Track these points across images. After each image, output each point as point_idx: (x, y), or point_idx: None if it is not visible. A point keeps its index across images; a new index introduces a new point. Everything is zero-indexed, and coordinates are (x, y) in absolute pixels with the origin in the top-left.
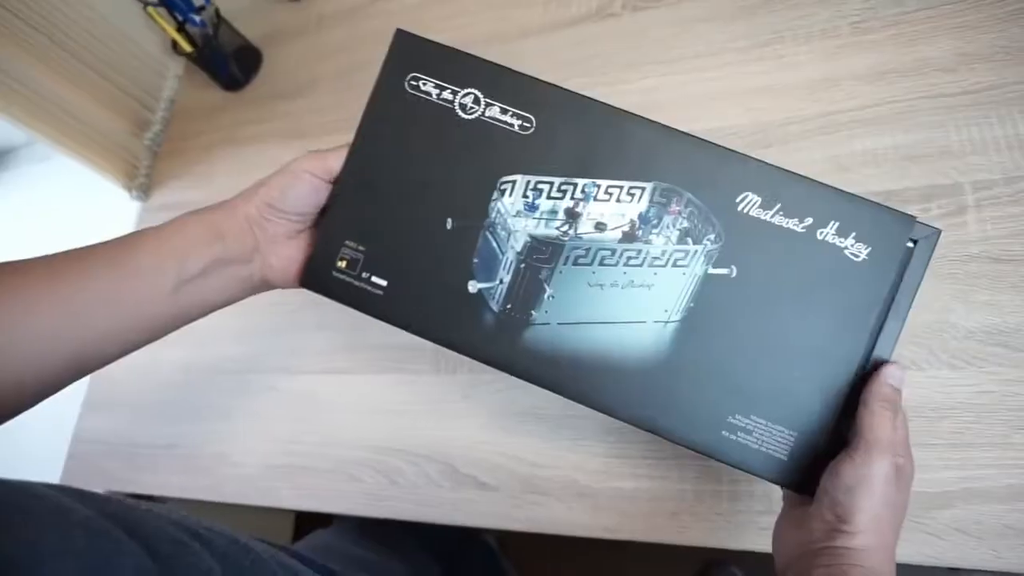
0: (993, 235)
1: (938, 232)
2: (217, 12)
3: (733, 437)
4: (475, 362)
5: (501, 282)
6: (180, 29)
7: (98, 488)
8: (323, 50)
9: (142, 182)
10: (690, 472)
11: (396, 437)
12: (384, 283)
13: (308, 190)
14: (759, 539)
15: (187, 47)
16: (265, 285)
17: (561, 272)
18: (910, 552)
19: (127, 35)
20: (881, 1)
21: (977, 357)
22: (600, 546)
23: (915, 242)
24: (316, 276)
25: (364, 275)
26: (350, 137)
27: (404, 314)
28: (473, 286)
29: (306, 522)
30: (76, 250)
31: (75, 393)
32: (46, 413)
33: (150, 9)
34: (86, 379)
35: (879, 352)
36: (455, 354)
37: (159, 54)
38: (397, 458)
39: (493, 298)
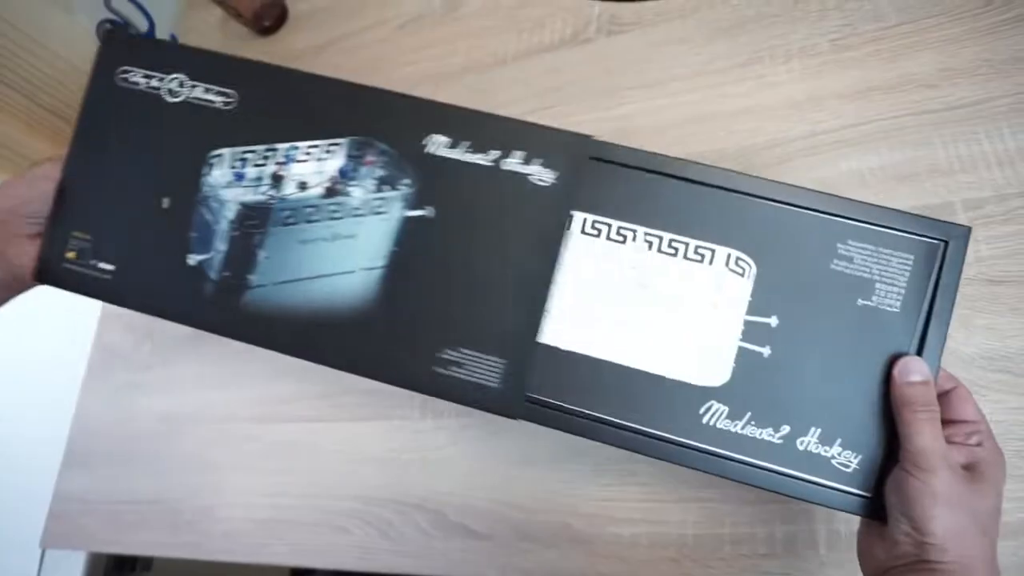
0: (987, 256)
1: (968, 230)
2: None
3: (445, 372)
4: (462, 408)
5: (218, 251)
6: None
7: (81, 551)
8: None
9: None
10: (690, 515)
11: (383, 486)
12: (111, 267)
13: (48, 197)
14: None
15: None
16: (22, 284)
17: (273, 234)
18: None
19: None
20: (860, 16)
21: (980, 385)
22: None
23: (945, 243)
24: (47, 269)
25: (92, 262)
26: None
27: (131, 295)
28: (192, 259)
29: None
30: None
31: (54, 451)
32: (24, 473)
33: None
34: (64, 435)
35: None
36: (441, 400)
37: None
38: (386, 508)
39: (212, 268)
